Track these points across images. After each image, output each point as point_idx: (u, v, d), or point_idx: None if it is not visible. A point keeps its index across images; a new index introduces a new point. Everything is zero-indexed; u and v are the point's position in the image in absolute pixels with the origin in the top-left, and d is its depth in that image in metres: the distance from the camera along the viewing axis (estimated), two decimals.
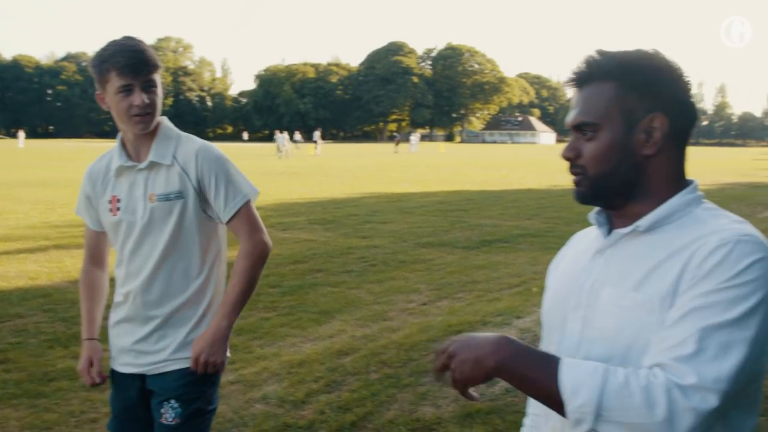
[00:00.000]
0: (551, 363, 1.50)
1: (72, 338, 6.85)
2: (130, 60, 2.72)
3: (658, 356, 1.45)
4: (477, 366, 1.56)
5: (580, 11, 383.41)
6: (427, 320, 7.46)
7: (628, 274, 1.61)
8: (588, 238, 1.84)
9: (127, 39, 2.80)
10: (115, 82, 2.74)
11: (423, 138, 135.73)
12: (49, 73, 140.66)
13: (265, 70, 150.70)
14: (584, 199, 1.72)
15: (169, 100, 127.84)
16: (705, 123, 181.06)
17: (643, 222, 1.64)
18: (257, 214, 3.00)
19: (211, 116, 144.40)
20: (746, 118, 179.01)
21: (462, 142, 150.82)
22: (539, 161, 49.51)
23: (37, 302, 8.26)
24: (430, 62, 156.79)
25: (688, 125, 1.68)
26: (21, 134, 77.89)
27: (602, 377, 1.43)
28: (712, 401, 1.38)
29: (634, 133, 1.63)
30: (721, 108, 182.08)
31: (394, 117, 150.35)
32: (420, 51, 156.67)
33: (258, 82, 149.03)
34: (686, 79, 1.67)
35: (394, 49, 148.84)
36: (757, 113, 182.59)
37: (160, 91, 2.85)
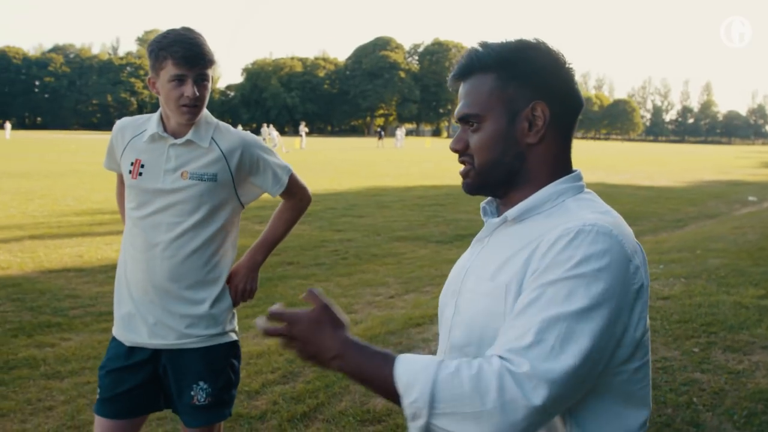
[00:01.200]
0: (388, 361, 1.48)
1: (37, 327, 6.91)
2: (188, 51, 2.84)
3: (499, 348, 1.44)
4: (317, 357, 1.58)
5: (568, 6, 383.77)
6: (391, 313, 7.54)
7: (489, 262, 1.65)
8: None
9: (187, 30, 2.92)
10: (170, 70, 2.86)
11: (410, 133, 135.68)
12: (37, 65, 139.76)
13: (252, 64, 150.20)
14: (471, 190, 1.76)
15: None
16: (691, 121, 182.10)
17: (512, 212, 1.67)
18: (299, 176, 3.29)
19: None
20: (732, 117, 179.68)
21: (449, 137, 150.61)
22: None
23: (5, 291, 8.28)
24: (417, 57, 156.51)
25: (570, 113, 1.70)
26: (8, 126, 77.42)
27: (434, 370, 1.41)
28: (542, 392, 1.35)
29: (517, 123, 1.66)
30: (706, 106, 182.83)
31: (381, 112, 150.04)
32: (407, 46, 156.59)
33: (245, 76, 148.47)
34: (567, 68, 1.69)
35: (381, 43, 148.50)
36: (743, 112, 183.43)
37: (210, 85, 2.98)
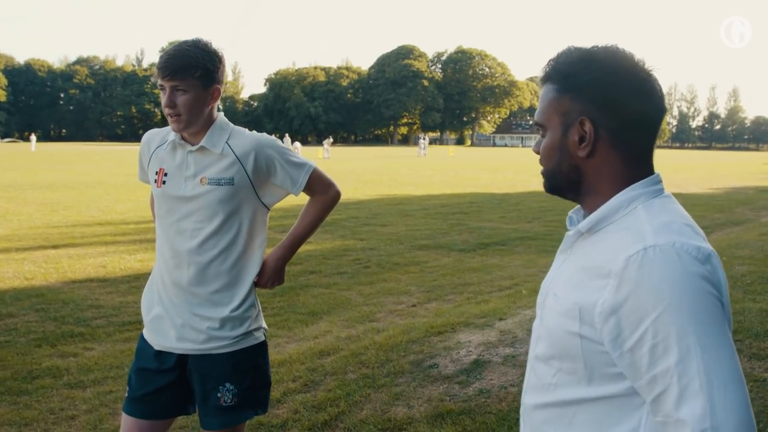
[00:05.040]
0: None
1: (60, 337, 6.96)
2: (163, 63, 2.88)
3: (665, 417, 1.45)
4: None
5: (592, 14, 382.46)
6: (413, 321, 7.50)
7: (568, 278, 1.64)
8: None
9: (183, 42, 2.96)
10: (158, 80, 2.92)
11: (434, 141, 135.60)
12: (62, 77, 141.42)
13: (275, 74, 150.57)
14: (547, 190, 1.77)
15: None
16: (718, 127, 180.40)
17: (584, 224, 1.65)
18: (324, 172, 3.26)
19: None
20: (760, 122, 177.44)
21: (472, 145, 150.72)
22: None
23: (30, 302, 8.35)
24: (440, 66, 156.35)
25: (634, 126, 1.63)
26: (33, 138, 78.49)
27: None
28: None
29: (569, 135, 1.65)
30: (734, 112, 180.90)
31: (404, 120, 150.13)
32: (430, 54, 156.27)
33: (268, 86, 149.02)
34: (635, 79, 1.63)
35: (405, 52, 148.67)
36: None
37: (193, 95, 2.92)
